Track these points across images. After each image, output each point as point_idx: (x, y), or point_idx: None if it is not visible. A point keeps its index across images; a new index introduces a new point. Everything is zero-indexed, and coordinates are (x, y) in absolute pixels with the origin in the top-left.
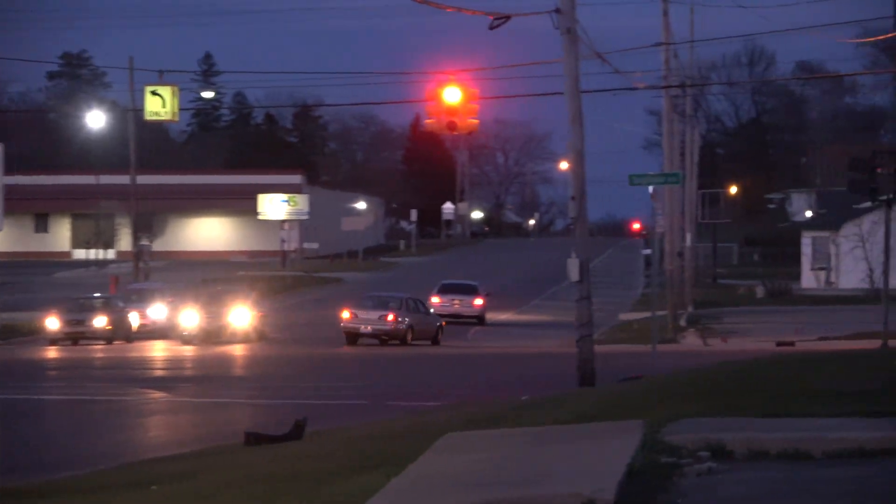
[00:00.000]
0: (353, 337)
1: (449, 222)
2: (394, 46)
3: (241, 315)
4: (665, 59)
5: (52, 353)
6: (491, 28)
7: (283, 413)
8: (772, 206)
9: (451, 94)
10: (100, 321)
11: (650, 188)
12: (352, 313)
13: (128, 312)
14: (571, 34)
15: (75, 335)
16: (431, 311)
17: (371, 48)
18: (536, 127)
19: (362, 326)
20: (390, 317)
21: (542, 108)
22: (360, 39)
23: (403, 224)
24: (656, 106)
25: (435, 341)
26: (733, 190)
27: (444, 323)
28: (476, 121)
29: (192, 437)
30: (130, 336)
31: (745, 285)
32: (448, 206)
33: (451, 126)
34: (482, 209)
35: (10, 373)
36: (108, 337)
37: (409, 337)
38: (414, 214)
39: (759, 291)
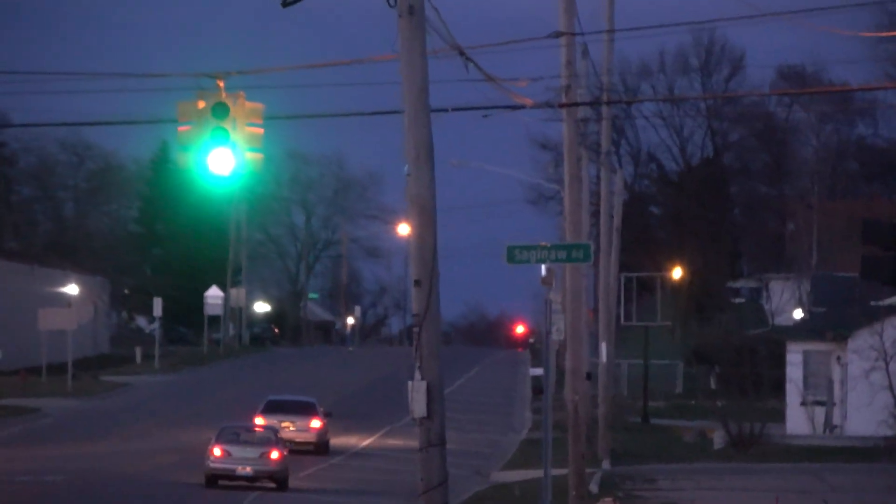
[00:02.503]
0: (216, 479)
1: (215, 320)
2: (134, 37)
3: None
4: (566, 60)
5: None
6: (284, 5)
7: None
8: (738, 300)
9: (220, 111)
10: None
11: (542, 268)
12: (223, 450)
13: None
14: (416, 16)
15: None
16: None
17: (94, 37)
18: (356, 167)
19: (239, 467)
20: (275, 454)
21: (365, 136)
22: (77, 23)
23: (141, 321)
24: (552, 135)
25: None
26: (676, 273)
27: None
28: (260, 154)
29: None
30: None
31: (695, 427)
32: (213, 294)
33: (219, 162)
34: (269, 299)
35: None
36: None
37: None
38: (158, 306)
39: (718, 438)
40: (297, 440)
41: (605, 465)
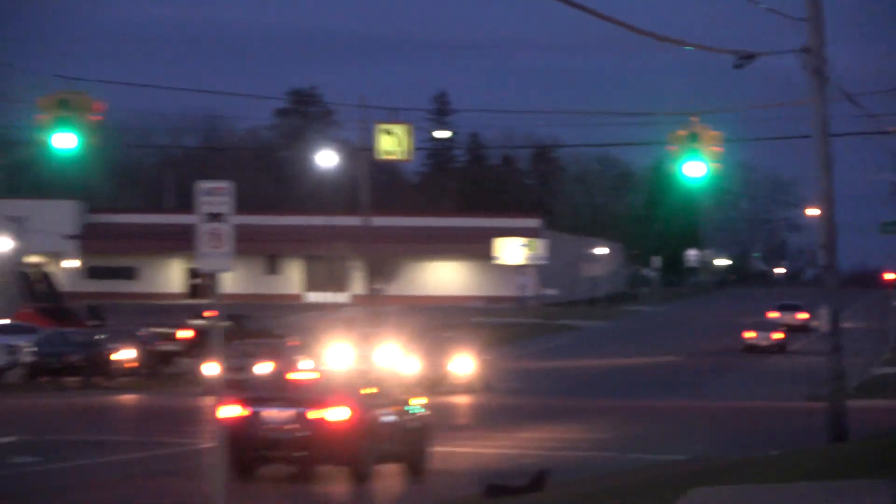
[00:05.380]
0: (750, 349)
1: (692, 269)
2: (632, 85)
3: (464, 363)
4: None
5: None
6: (735, 67)
7: (514, 464)
8: None
9: (693, 137)
10: (262, 368)
11: None
12: (756, 333)
13: (297, 360)
14: (819, 75)
15: (236, 383)
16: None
17: (609, 87)
18: (783, 171)
19: (761, 342)
20: (777, 335)
21: (789, 150)
22: (596, 77)
23: (644, 271)
24: None
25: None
26: None
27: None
28: (720, 164)
29: (429, 487)
30: None
31: None
32: (692, 253)
33: (694, 170)
34: (727, 256)
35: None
36: None
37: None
38: (657, 261)
39: None
40: (793, 325)
41: None
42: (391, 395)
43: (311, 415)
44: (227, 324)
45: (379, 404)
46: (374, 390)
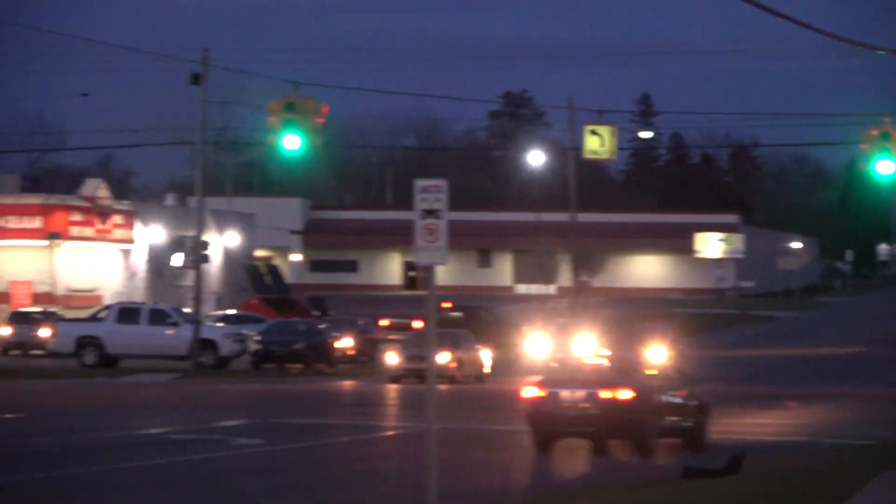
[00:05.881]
0: None
1: (883, 263)
2: (826, 87)
3: (657, 352)
4: None
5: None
6: None
7: (711, 448)
8: None
9: (885, 136)
10: (442, 357)
11: None
12: None
13: (478, 351)
14: None
15: (415, 372)
16: None
17: (804, 88)
18: None
19: None
20: None
21: None
22: (793, 79)
23: (838, 264)
24: None
25: None
26: None
27: None
28: None
29: (630, 469)
30: (481, 376)
31: None
32: (883, 247)
33: (885, 167)
34: None
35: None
36: (450, 376)
37: None
38: (849, 255)
39: None
40: None
41: None
42: (671, 378)
43: (603, 395)
44: (458, 314)
45: (661, 386)
46: (655, 373)
